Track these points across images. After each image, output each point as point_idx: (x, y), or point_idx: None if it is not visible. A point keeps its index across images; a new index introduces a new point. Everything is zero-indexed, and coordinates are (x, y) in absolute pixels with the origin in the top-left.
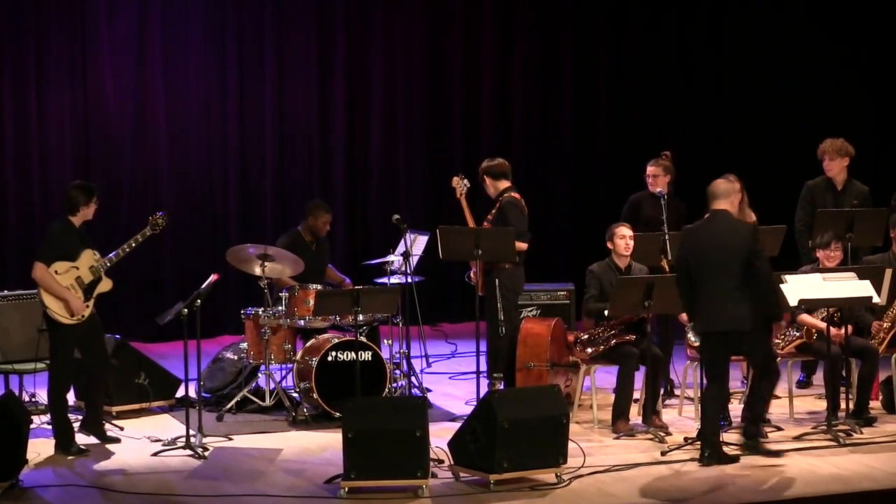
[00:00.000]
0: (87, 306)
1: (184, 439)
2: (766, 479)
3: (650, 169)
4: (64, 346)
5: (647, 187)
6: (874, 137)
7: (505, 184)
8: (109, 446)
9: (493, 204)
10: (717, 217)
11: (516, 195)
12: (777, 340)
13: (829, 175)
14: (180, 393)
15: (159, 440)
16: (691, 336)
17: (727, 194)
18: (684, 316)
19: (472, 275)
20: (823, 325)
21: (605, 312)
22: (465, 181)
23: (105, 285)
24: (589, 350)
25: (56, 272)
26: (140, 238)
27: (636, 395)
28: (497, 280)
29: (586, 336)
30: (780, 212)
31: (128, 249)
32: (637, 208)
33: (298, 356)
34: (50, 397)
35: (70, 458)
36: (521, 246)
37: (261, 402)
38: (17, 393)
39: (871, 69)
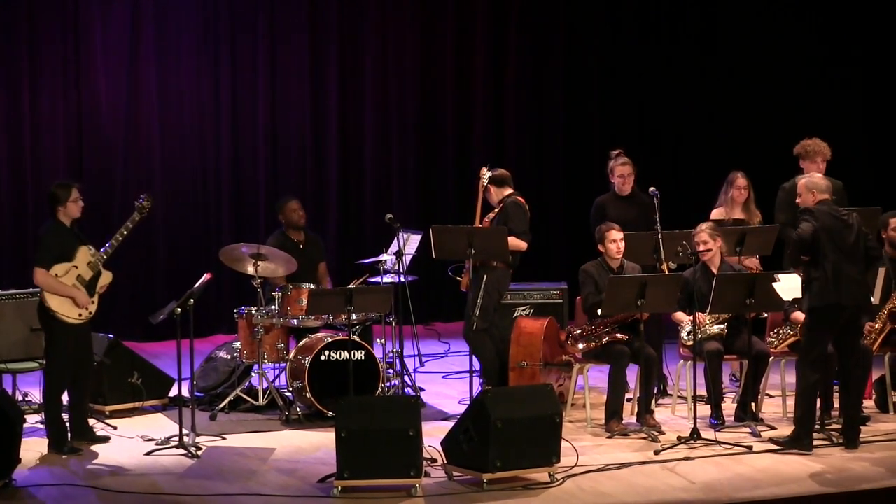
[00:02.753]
0: (93, 302)
1: (177, 438)
2: (759, 479)
3: (622, 169)
4: (60, 344)
5: (610, 188)
6: (863, 137)
7: (508, 190)
8: (103, 446)
9: (495, 208)
10: (832, 204)
11: (520, 198)
12: (770, 339)
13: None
14: (173, 392)
15: (152, 439)
16: (684, 335)
17: (830, 188)
18: (677, 315)
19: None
20: None
21: (599, 311)
22: (490, 173)
23: (106, 278)
24: (580, 346)
25: (57, 275)
26: (130, 225)
27: (629, 394)
28: (485, 276)
29: (579, 332)
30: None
31: (120, 238)
32: (603, 211)
33: (291, 355)
34: (45, 396)
35: (63, 457)
36: (521, 245)
37: (254, 402)
38: (10, 392)
39: (862, 67)
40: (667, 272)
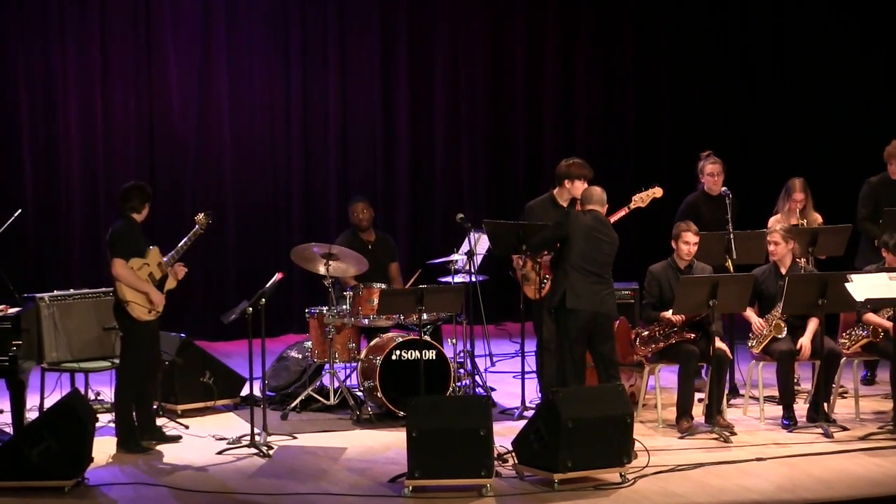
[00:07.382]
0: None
1: (248, 438)
2: (833, 480)
3: (712, 167)
4: (137, 344)
5: (698, 187)
6: None
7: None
8: (174, 445)
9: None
10: (595, 214)
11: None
12: (843, 340)
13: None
14: (245, 391)
15: (224, 438)
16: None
17: (602, 202)
18: (749, 314)
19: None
20: (890, 324)
21: (670, 312)
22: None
23: (171, 282)
24: (648, 347)
25: (133, 268)
26: (193, 237)
27: (700, 394)
28: None
29: (646, 333)
30: (845, 211)
31: (182, 250)
32: (695, 210)
33: (362, 355)
34: (117, 395)
35: (135, 456)
36: None
37: (325, 401)
38: (82, 391)
39: None
40: (731, 271)
